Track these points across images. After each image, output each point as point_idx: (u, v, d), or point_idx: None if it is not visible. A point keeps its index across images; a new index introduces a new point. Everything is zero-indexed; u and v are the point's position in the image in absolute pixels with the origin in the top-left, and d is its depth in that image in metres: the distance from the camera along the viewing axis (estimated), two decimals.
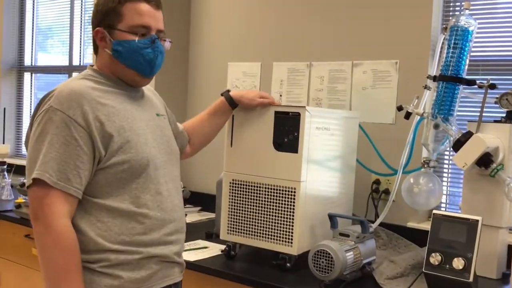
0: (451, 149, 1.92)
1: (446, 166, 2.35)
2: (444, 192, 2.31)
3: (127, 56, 1.48)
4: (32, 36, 4.15)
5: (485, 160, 1.80)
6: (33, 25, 4.14)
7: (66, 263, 1.33)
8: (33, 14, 4.13)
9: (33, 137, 1.38)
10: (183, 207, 1.63)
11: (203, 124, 1.90)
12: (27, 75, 4.17)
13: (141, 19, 1.47)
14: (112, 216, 1.41)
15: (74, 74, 3.84)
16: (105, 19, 1.48)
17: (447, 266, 1.65)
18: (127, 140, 1.43)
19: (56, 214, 1.33)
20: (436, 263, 1.67)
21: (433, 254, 1.68)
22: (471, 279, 1.61)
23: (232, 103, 1.90)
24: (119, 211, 1.42)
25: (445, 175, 2.35)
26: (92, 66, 1.56)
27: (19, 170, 3.45)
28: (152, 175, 1.48)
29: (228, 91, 1.93)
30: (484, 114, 1.90)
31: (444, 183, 2.33)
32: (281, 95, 2.71)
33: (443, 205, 2.35)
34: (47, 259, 1.34)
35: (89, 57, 3.80)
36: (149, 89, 1.67)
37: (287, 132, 1.87)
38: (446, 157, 2.33)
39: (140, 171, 1.45)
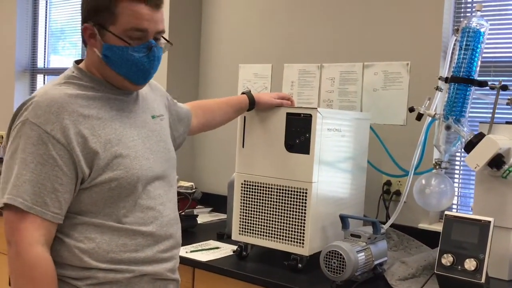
0: (463, 150, 1.92)
1: (457, 167, 2.34)
2: (456, 193, 2.31)
3: (119, 63, 1.30)
4: (45, 38, 4.19)
5: (497, 161, 1.79)
6: (45, 28, 4.19)
7: None
8: (45, 17, 4.18)
9: (8, 152, 1.25)
10: (179, 219, 1.50)
11: (217, 112, 1.86)
12: (40, 77, 4.21)
13: (137, 23, 1.27)
14: (100, 232, 1.29)
15: None
16: (96, 16, 1.29)
17: (459, 267, 1.65)
18: (114, 155, 1.28)
19: (27, 241, 1.20)
20: (448, 264, 1.67)
21: (445, 255, 1.68)
22: (483, 280, 1.61)
23: (252, 103, 1.90)
24: (108, 226, 1.30)
25: (456, 176, 2.34)
26: (78, 62, 1.39)
27: None
28: (143, 192, 1.34)
29: (250, 91, 1.93)
30: (496, 115, 1.89)
31: (456, 184, 2.33)
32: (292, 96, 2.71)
33: (454, 206, 2.35)
34: (16, 287, 1.23)
35: None
36: (148, 87, 1.51)
37: (298, 133, 1.88)
38: (457, 158, 2.33)
39: (129, 189, 1.31)
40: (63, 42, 4.20)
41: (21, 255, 1.20)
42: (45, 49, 4.20)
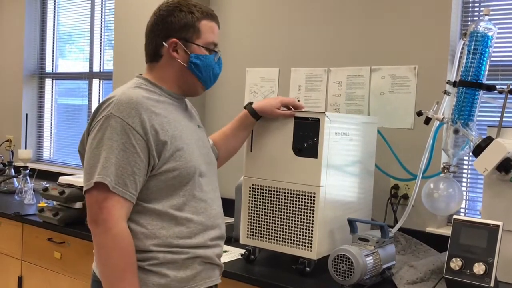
0: (471, 154, 1.92)
1: (465, 171, 2.34)
2: (464, 197, 2.31)
3: (203, 69, 1.58)
4: (53, 43, 4.22)
5: (506, 166, 1.79)
6: (54, 32, 4.22)
7: (124, 263, 1.39)
8: (54, 21, 4.21)
9: (93, 142, 1.43)
10: (223, 214, 1.69)
11: (228, 139, 1.92)
12: (48, 81, 4.24)
13: (213, 37, 1.59)
14: (161, 220, 1.47)
15: (95, 80, 3.90)
16: (181, 32, 1.54)
17: (468, 271, 1.65)
18: (177, 148, 1.49)
19: (115, 217, 1.39)
20: (457, 268, 1.67)
21: (453, 259, 1.68)
22: (492, 285, 1.61)
23: (255, 115, 1.92)
24: (168, 215, 1.48)
25: (464, 180, 2.34)
26: (141, 75, 1.60)
27: (41, 175, 3.52)
28: (198, 183, 1.54)
29: (251, 103, 1.94)
30: (504, 119, 1.90)
31: (464, 188, 2.33)
32: (299, 101, 2.72)
33: (462, 210, 2.35)
34: (106, 260, 1.40)
35: (108, 63, 3.86)
36: (189, 103, 1.73)
37: (306, 137, 1.88)
38: (465, 162, 2.33)
39: (188, 178, 1.51)
40: (71, 47, 4.23)
41: (112, 230, 1.38)
42: (53, 53, 4.23)
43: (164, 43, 1.55)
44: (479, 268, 1.63)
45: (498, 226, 1.65)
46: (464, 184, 2.34)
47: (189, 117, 1.64)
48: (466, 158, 2.30)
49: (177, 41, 1.54)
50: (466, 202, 2.35)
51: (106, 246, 1.39)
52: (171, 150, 1.47)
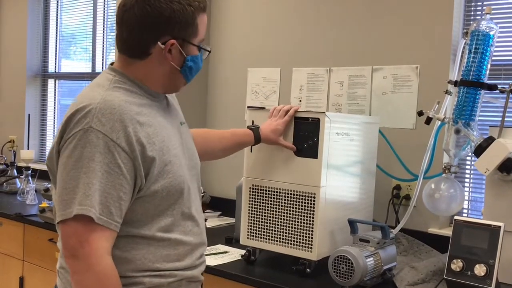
0: (473, 154, 1.90)
1: (468, 171, 2.32)
2: (466, 197, 2.29)
3: (194, 71, 1.41)
4: (56, 43, 4.23)
5: (507, 166, 1.77)
6: (56, 33, 4.22)
7: None
8: (56, 22, 4.21)
9: (68, 162, 1.21)
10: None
11: (219, 148, 1.84)
12: (51, 82, 4.24)
13: (204, 32, 1.39)
14: (147, 244, 1.32)
15: None
16: (180, 31, 1.32)
17: (469, 272, 1.64)
18: (165, 163, 1.31)
19: (99, 252, 1.20)
20: (458, 270, 1.65)
21: (454, 260, 1.67)
22: (493, 286, 1.60)
23: (258, 141, 1.88)
24: (155, 239, 1.32)
25: (467, 180, 2.32)
26: (112, 66, 1.38)
27: (43, 175, 3.51)
28: (186, 198, 1.38)
29: (258, 127, 1.89)
30: (506, 119, 1.88)
31: (466, 189, 2.31)
32: (300, 100, 2.71)
33: (465, 210, 2.33)
34: None
35: None
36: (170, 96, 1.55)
37: (306, 137, 1.87)
38: (468, 162, 2.31)
39: (177, 196, 1.35)
40: (74, 47, 4.23)
41: (95, 266, 1.20)
42: (56, 54, 4.24)
43: (159, 42, 1.31)
44: (480, 270, 1.61)
45: (500, 227, 1.64)
46: (466, 184, 2.32)
47: (172, 116, 1.45)
48: (468, 158, 2.28)
49: (175, 43, 1.32)
50: (469, 203, 2.33)
51: (89, 284, 1.20)
52: (159, 166, 1.29)
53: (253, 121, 1.97)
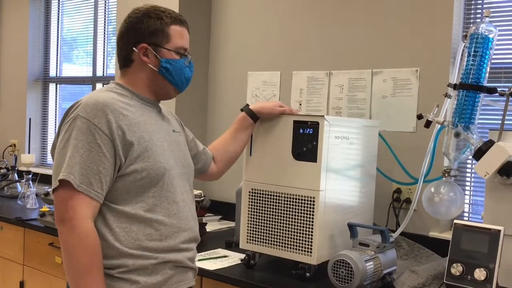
0: (473, 158, 1.90)
1: (468, 174, 2.31)
2: (467, 201, 2.28)
3: (174, 73, 1.61)
4: (57, 47, 4.24)
5: (507, 169, 1.76)
6: (58, 37, 4.23)
7: (89, 260, 1.40)
8: (58, 26, 4.22)
9: (60, 144, 1.46)
10: (197, 218, 1.70)
11: (227, 143, 1.97)
12: (52, 86, 4.25)
13: (182, 42, 1.62)
14: (130, 222, 1.48)
15: (98, 85, 3.91)
16: (151, 38, 1.58)
17: (469, 277, 1.63)
18: (145, 149, 1.50)
19: (80, 215, 1.40)
20: (458, 274, 1.65)
21: (454, 264, 1.66)
22: None
23: (253, 116, 1.96)
24: (137, 217, 1.49)
25: (467, 184, 2.32)
26: (114, 81, 1.64)
27: (43, 179, 3.52)
28: (168, 184, 1.55)
29: (247, 105, 2.00)
30: (506, 122, 1.87)
31: (467, 192, 2.30)
32: (300, 104, 2.71)
33: (465, 214, 2.32)
34: (71, 257, 1.41)
35: (112, 68, 3.86)
36: (165, 109, 1.75)
37: (306, 141, 1.87)
38: (469, 165, 2.30)
39: (157, 179, 1.52)
40: (75, 51, 4.24)
41: (76, 228, 1.39)
42: (57, 58, 4.25)
43: (134, 48, 1.58)
44: (480, 274, 1.60)
45: (499, 231, 1.63)
46: (467, 187, 2.31)
47: (163, 122, 1.66)
48: (469, 161, 2.27)
49: (147, 46, 1.57)
50: (469, 206, 2.32)
51: (71, 244, 1.40)
52: (138, 150, 1.49)
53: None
